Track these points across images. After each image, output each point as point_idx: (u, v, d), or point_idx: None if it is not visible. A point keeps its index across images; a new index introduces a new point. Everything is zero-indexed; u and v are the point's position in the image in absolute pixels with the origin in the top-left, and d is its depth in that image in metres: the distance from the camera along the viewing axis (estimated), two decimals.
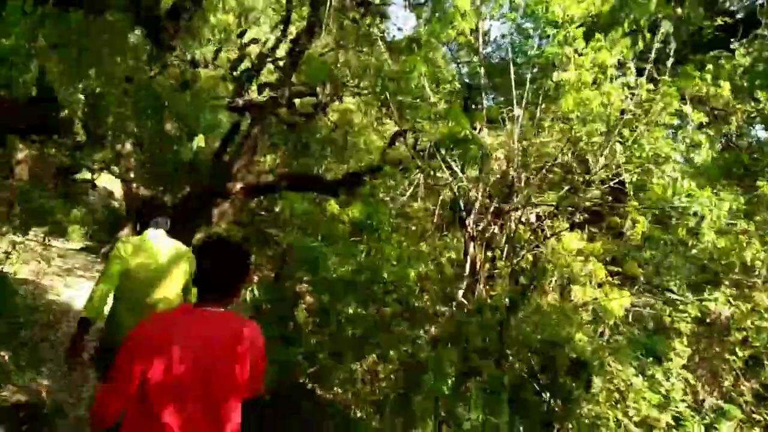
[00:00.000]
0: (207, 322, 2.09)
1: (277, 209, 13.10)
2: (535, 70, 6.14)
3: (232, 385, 2.06)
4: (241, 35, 10.38)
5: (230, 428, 2.06)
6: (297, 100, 11.38)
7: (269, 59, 9.96)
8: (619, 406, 3.96)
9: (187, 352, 1.99)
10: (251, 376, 2.14)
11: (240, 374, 2.08)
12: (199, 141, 10.35)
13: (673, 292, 4.61)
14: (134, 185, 9.90)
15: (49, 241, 9.27)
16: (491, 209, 4.89)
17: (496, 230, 4.90)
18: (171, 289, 3.41)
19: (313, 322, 4.87)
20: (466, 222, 4.87)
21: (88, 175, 13.82)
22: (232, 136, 11.11)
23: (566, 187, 4.90)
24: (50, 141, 12.14)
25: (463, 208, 4.99)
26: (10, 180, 11.48)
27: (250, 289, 6.79)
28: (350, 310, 4.32)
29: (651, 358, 4.12)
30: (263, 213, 13.93)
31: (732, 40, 6.08)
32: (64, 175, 11.72)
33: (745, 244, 4.09)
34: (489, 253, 4.84)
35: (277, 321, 8.70)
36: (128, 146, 9.86)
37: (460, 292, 4.62)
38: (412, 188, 5.41)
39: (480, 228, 4.84)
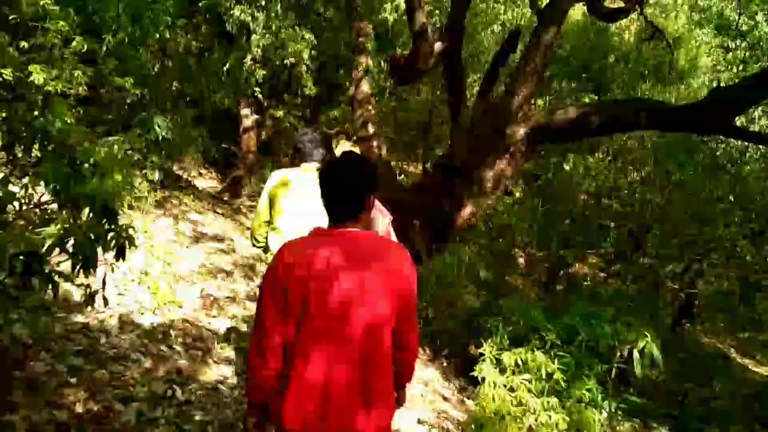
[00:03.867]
0: (356, 245, 1.74)
1: (566, 166, 9.08)
2: None
3: (386, 325, 1.74)
4: None
5: (384, 385, 1.76)
6: None
7: None
8: None
9: (340, 284, 1.68)
10: (403, 317, 1.79)
11: (392, 311, 1.75)
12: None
13: None
14: (374, 144, 6.95)
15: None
16: None
17: None
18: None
19: None
20: None
21: None
22: (503, 59, 7.40)
23: None
24: (278, 101, 10.18)
25: None
26: (238, 152, 9.74)
27: None
28: None
29: None
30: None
31: None
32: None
33: None
34: None
35: None
36: (365, 87, 6.93)
37: None
38: None
39: None
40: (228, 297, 4.96)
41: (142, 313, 4.03)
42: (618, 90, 9.91)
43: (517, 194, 7.96)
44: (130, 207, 5.34)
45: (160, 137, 5.28)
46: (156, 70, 6.28)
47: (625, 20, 10.65)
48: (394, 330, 1.76)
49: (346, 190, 1.76)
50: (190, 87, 7.18)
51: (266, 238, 3.00)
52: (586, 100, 11.26)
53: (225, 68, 7.71)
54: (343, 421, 1.66)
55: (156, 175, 5.25)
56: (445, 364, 5.06)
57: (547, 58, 6.80)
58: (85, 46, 4.38)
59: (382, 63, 8.68)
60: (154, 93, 5.69)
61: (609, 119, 6.28)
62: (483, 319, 3.82)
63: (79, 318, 3.50)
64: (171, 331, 3.90)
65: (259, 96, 8.98)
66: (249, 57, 8.84)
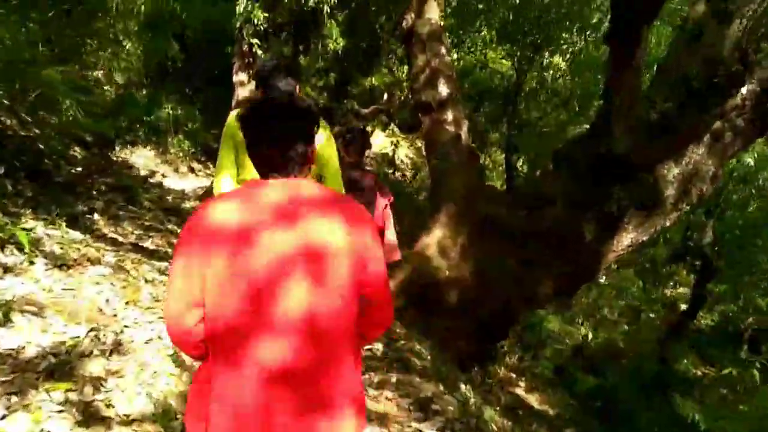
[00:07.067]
0: (293, 197, 1.29)
1: None
2: None
3: (340, 301, 1.26)
4: None
5: (344, 374, 1.27)
6: None
7: None
8: None
9: (269, 247, 1.22)
10: (367, 288, 1.33)
11: (352, 279, 1.28)
12: None
13: None
14: (449, 116, 3.83)
15: None
16: None
17: None
18: None
19: None
20: None
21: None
22: None
23: None
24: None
25: None
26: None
27: None
28: None
29: None
30: None
31: None
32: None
33: None
34: None
35: None
36: (433, 15, 3.84)
37: None
38: None
39: None
40: None
41: None
42: None
43: None
44: None
45: None
46: None
47: None
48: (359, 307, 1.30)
49: (283, 132, 1.33)
50: None
51: None
52: None
53: None
54: None
55: None
56: None
57: None
58: None
59: None
60: None
61: None
62: None
63: None
64: None
65: (260, 53, 5.95)
66: None
